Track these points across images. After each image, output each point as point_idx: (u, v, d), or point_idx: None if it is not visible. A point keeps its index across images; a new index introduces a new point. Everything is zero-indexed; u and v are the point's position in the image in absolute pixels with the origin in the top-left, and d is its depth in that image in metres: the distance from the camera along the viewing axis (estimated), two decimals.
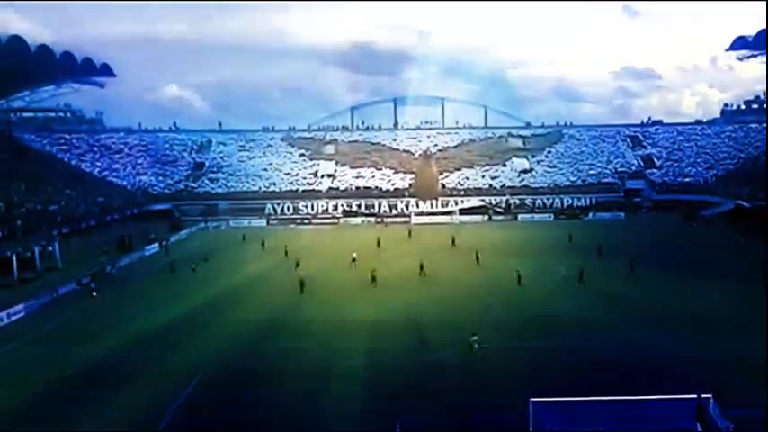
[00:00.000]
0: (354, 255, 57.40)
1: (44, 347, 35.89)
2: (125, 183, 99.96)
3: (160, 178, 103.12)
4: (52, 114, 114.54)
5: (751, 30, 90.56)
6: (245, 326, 38.58)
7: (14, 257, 54.41)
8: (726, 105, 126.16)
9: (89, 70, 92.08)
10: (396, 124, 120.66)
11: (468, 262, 57.51)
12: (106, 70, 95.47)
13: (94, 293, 47.63)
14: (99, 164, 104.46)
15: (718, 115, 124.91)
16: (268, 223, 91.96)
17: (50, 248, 60.23)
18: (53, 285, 48.79)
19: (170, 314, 41.39)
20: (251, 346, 34.58)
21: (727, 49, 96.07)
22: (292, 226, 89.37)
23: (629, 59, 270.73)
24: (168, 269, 56.75)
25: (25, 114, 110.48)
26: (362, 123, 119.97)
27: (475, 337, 31.57)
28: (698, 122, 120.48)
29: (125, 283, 53.48)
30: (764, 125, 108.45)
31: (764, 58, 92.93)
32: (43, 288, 48.25)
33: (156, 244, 71.38)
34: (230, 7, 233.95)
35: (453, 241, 67.63)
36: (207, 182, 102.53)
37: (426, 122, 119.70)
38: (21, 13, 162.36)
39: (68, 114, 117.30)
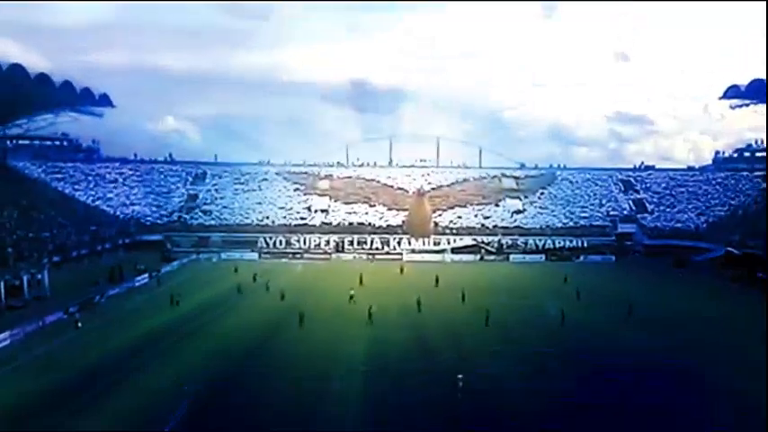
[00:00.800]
0: (352, 292, 57.58)
1: (27, 376, 35.55)
2: (118, 212, 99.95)
3: (153, 209, 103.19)
4: (48, 142, 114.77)
5: (743, 79, 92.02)
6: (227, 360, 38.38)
7: (2, 285, 54.07)
8: (718, 153, 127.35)
9: (88, 100, 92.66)
10: (390, 161, 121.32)
11: (453, 299, 57.78)
12: (105, 100, 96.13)
13: (79, 324, 47.17)
14: (93, 193, 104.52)
15: (710, 162, 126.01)
16: (260, 256, 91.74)
17: (39, 276, 59.87)
18: (40, 314, 48.42)
19: (153, 348, 41.08)
20: (233, 380, 34.40)
21: (720, 98, 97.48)
22: (284, 260, 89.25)
23: (623, 104, 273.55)
24: (169, 302, 55.88)
25: (21, 141, 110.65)
26: (357, 160, 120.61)
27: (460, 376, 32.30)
28: (690, 169, 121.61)
29: (112, 313, 53.08)
30: (755, 173, 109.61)
31: (756, 108, 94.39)
32: (30, 316, 47.85)
33: (146, 275, 71.11)
34: (229, 41, 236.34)
35: (437, 281, 67.18)
36: (200, 213, 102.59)
37: (421, 160, 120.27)
38: (21, 42, 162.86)
39: (65, 143, 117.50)
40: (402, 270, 77.84)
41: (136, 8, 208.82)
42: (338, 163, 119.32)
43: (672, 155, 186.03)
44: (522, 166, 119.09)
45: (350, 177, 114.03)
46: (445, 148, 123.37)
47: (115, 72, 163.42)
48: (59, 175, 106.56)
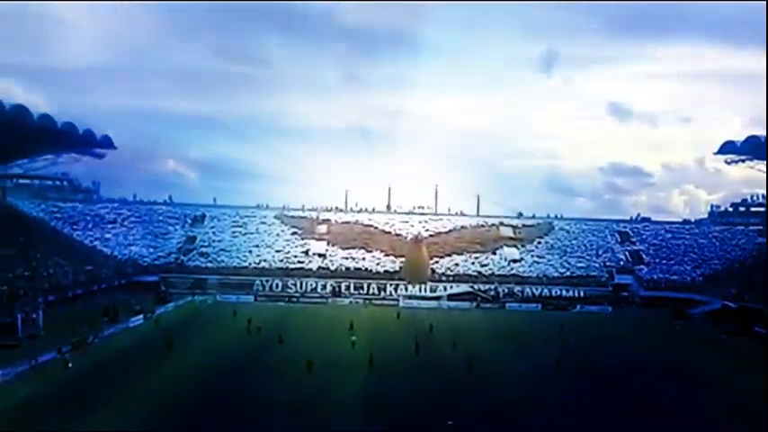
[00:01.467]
0: (354, 338, 57.75)
1: (11, 417, 35.45)
2: (115, 253, 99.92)
3: (151, 250, 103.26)
4: (48, 182, 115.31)
5: (736, 134, 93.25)
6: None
7: None
8: (713, 207, 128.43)
9: (90, 141, 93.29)
10: (389, 207, 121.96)
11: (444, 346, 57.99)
12: (107, 141, 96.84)
13: (69, 365, 46.81)
14: (91, 233, 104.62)
15: (705, 215, 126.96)
16: (256, 299, 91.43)
17: (34, 316, 59.62)
18: (33, 353, 48.10)
19: (145, 396, 40.72)
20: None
21: (715, 153, 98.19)
22: (281, 303, 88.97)
23: (619, 157, 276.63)
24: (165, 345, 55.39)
25: (21, 181, 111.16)
26: (356, 205, 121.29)
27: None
28: (686, 222, 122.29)
29: (105, 355, 52.72)
30: (751, 228, 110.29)
31: (752, 164, 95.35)
32: (22, 355, 47.55)
33: (141, 316, 70.83)
34: (230, 86, 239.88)
35: (431, 328, 67.36)
36: (197, 255, 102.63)
37: (419, 207, 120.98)
38: (24, 82, 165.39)
39: (65, 183, 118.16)
40: (398, 316, 78.08)
41: (137, 52, 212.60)
42: (336, 208, 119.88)
43: (668, 207, 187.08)
44: (520, 215, 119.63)
45: (348, 222, 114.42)
46: (443, 196, 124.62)
47: (117, 114, 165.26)
48: (58, 215, 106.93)
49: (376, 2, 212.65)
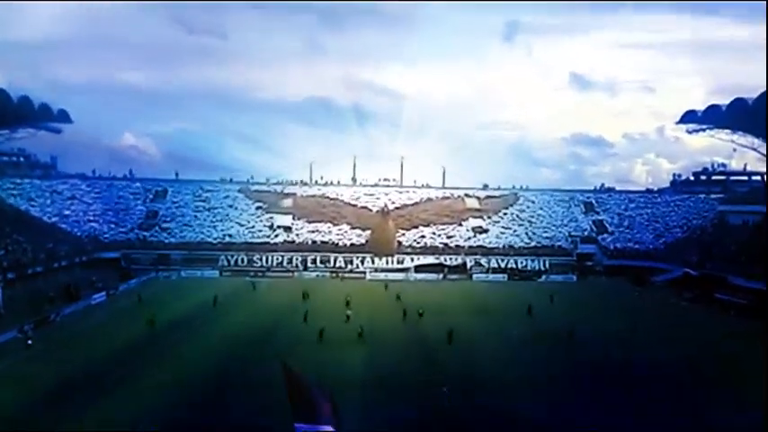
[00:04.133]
0: (349, 312, 57.90)
1: None
2: (75, 229, 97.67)
3: (111, 226, 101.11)
4: (5, 158, 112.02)
5: (698, 103, 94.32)
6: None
7: None
8: (675, 176, 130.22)
9: (46, 115, 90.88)
10: (354, 180, 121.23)
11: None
12: (63, 116, 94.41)
13: (29, 342, 45.79)
14: (49, 210, 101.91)
15: (667, 185, 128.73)
16: (221, 274, 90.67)
17: None
18: None
19: (107, 367, 40.01)
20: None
21: (677, 123, 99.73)
22: (246, 278, 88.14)
23: (583, 127, 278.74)
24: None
25: None
26: (321, 178, 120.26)
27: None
28: (649, 191, 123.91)
29: (67, 332, 51.66)
30: (711, 196, 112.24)
31: (713, 133, 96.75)
32: None
33: (104, 293, 69.57)
34: (189, 57, 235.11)
35: (398, 297, 68.87)
36: (160, 231, 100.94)
37: (385, 180, 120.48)
38: None
39: (21, 159, 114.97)
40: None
41: (94, 24, 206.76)
42: (301, 181, 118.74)
43: (630, 177, 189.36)
44: (486, 187, 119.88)
45: (313, 196, 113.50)
46: (409, 168, 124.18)
47: (74, 88, 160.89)
48: (15, 191, 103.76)
49: None
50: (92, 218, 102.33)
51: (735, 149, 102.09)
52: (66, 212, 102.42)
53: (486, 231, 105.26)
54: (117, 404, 33.46)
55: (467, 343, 48.56)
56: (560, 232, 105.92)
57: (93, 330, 52.84)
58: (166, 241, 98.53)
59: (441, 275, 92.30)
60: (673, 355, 46.23)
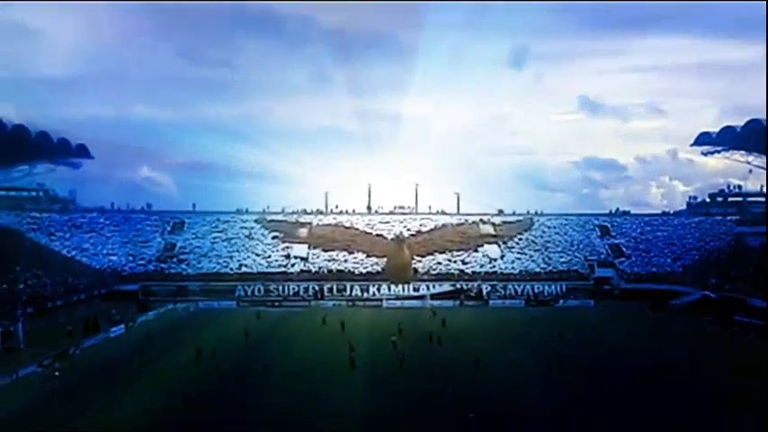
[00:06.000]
0: (394, 338, 58.14)
1: None
2: (94, 262, 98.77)
3: (130, 258, 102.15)
4: (24, 194, 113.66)
5: (708, 125, 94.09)
6: None
7: None
8: (690, 198, 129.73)
9: (65, 151, 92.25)
10: (369, 208, 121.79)
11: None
12: (82, 151, 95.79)
13: (57, 374, 46.45)
14: (68, 243, 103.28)
15: (682, 207, 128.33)
16: (238, 305, 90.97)
17: (13, 328, 58.87)
18: (14, 366, 47.45)
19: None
20: None
21: (691, 144, 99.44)
22: (262, 308, 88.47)
23: (594, 151, 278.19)
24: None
25: None
26: (336, 207, 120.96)
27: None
28: (664, 214, 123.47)
29: (87, 366, 52.11)
30: (728, 218, 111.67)
31: (728, 155, 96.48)
32: (3, 369, 46.85)
33: (122, 325, 70.16)
34: (204, 90, 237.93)
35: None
36: (178, 263, 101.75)
37: (399, 207, 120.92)
38: None
39: (41, 193, 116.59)
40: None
41: (106, 60, 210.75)
42: (317, 210, 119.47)
43: (645, 200, 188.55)
44: (500, 212, 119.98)
45: (329, 224, 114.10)
46: (423, 195, 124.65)
47: (90, 123, 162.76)
48: (35, 226, 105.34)
49: (350, 2, 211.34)
50: (110, 251, 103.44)
51: (750, 170, 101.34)
52: (86, 246, 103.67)
53: (502, 257, 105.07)
54: None
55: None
56: (576, 257, 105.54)
57: (111, 363, 53.23)
58: (184, 273, 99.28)
59: (457, 302, 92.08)
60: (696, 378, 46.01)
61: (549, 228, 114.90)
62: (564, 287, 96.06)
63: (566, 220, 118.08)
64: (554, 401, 39.93)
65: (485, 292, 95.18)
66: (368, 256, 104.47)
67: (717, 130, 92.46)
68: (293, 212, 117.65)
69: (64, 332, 62.23)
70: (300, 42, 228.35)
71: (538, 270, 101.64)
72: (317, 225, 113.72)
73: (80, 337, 61.72)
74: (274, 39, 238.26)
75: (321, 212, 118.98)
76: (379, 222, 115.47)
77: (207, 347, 54.11)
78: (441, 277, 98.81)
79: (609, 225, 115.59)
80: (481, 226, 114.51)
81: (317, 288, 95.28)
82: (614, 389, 43.26)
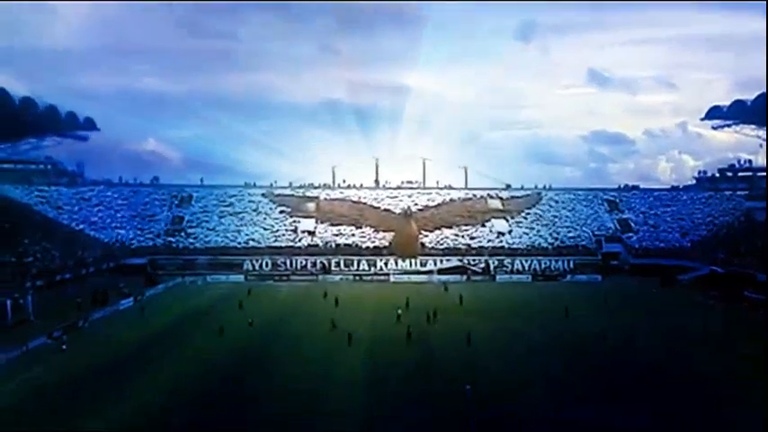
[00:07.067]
0: (399, 311, 60.02)
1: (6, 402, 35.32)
2: (102, 236, 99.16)
3: (138, 232, 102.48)
4: (32, 167, 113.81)
5: (719, 99, 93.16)
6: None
7: None
8: (700, 173, 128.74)
9: (73, 123, 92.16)
10: (377, 183, 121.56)
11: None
12: (90, 124, 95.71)
13: (64, 347, 46.78)
14: (77, 217, 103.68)
15: (691, 181, 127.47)
16: (246, 279, 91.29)
17: (22, 301, 59.29)
18: (23, 338, 47.83)
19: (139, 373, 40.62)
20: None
21: (702, 118, 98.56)
22: (270, 282, 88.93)
23: (603, 124, 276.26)
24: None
25: (4, 166, 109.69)
26: (344, 181, 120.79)
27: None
28: (673, 188, 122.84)
29: (96, 338, 52.53)
30: (737, 193, 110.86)
31: (738, 128, 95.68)
32: (13, 341, 47.25)
33: (131, 298, 70.59)
34: (212, 62, 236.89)
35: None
36: (186, 237, 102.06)
37: (407, 182, 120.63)
38: (4, 66, 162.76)
39: (49, 167, 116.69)
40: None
41: (112, 32, 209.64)
42: (324, 185, 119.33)
43: (654, 174, 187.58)
44: (508, 187, 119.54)
45: (336, 199, 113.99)
46: (431, 170, 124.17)
47: (99, 95, 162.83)
48: (43, 199, 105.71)
49: None
50: (119, 224, 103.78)
51: (761, 145, 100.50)
52: (94, 219, 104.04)
53: (509, 232, 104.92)
54: None
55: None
56: (584, 232, 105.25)
57: (121, 335, 53.63)
58: (192, 247, 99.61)
59: (464, 277, 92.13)
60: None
61: (556, 202, 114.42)
62: (572, 262, 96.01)
63: (573, 194, 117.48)
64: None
65: (491, 267, 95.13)
66: (375, 230, 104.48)
67: (728, 103, 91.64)
68: (300, 186, 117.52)
69: (73, 305, 62.68)
70: (308, 14, 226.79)
71: (545, 245, 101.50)
72: (325, 199, 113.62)
73: (89, 310, 62.13)
74: (282, 10, 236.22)
75: (329, 187, 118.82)
76: (387, 197, 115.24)
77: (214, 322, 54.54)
78: (448, 252, 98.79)
79: (617, 200, 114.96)
80: (489, 201, 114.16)
81: (324, 262, 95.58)
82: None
